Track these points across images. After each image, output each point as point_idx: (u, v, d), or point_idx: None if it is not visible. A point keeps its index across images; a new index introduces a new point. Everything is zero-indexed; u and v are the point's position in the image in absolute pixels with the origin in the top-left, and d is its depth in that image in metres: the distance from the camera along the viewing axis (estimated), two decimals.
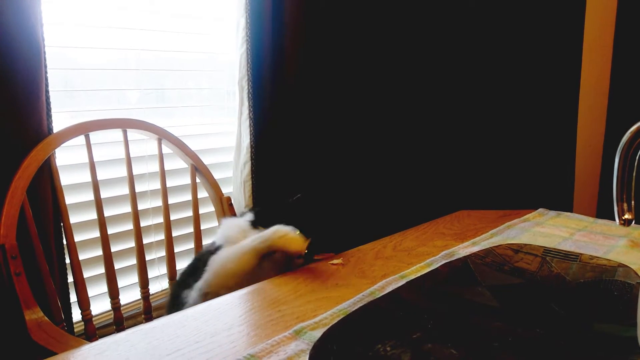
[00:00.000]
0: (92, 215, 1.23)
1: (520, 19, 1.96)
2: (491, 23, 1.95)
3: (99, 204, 1.10)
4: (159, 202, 1.37)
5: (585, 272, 0.66)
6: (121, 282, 1.29)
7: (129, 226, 1.30)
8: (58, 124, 1.12)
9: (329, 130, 1.68)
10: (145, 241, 1.32)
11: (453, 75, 1.96)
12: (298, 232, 0.79)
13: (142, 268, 1.17)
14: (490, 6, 1.93)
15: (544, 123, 2.03)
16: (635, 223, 0.72)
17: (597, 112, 2.15)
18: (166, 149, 1.28)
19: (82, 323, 1.08)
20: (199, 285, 0.81)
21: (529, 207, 1.10)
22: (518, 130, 2.02)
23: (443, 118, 1.98)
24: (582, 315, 0.56)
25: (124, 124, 1.16)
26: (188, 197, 1.43)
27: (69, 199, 1.19)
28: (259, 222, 0.90)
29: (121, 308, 1.15)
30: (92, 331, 1.07)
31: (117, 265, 1.28)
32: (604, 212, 2.18)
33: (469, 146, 2.01)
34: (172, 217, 1.39)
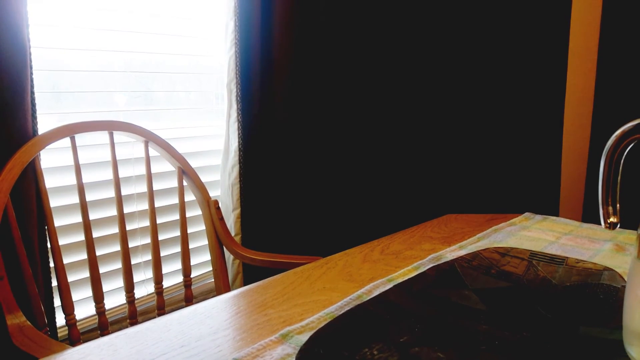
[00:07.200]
0: (77, 218, 1.22)
1: (506, 23, 1.98)
2: (478, 27, 1.97)
3: (84, 207, 1.08)
4: (145, 206, 1.36)
5: (571, 276, 0.67)
6: (106, 286, 1.28)
7: (115, 229, 1.29)
8: (45, 126, 1.11)
9: (318, 134, 1.68)
10: (131, 245, 1.31)
11: (439, 80, 1.97)
12: None
13: (128, 272, 1.16)
14: (473, 13, 1.95)
15: (530, 128, 2.05)
16: (620, 227, 0.73)
17: (582, 117, 2.17)
18: (153, 152, 1.27)
19: (66, 328, 1.07)
20: None
21: (515, 211, 1.11)
22: (504, 135, 2.04)
23: (430, 123, 1.99)
24: (568, 318, 0.56)
25: (110, 126, 1.15)
26: (175, 200, 1.42)
27: (54, 202, 1.17)
28: None
29: (106, 312, 1.13)
30: (76, 336, 1.06)
31: (102, 269, 1.27)
32: (589, 216, 2.21)
33: (456, 151, 2.03)
34: (159, 221, 1.38)
